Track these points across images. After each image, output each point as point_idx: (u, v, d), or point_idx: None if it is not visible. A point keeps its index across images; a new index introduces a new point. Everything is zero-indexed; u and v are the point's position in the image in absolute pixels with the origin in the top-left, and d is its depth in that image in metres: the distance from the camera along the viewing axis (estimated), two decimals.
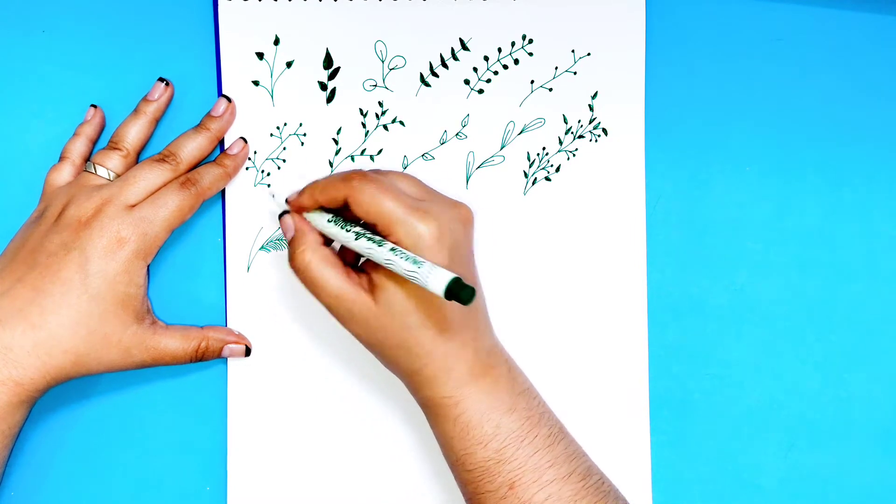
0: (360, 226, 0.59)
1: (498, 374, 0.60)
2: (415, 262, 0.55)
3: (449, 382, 0.59)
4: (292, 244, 0.60)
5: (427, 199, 0.59)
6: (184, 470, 0.66)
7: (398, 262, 0.55)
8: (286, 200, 0.62)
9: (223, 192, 0.65)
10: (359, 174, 0.59)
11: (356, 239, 0.58)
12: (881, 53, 0.66)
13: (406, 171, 0.66)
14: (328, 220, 0.60)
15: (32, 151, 0.65)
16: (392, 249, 0.56)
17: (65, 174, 0.64)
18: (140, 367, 0.62)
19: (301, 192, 0.61)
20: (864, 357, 0.67)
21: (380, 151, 0.66)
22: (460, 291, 0.53)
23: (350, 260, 0.62)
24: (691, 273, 0.67)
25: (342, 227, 0.59)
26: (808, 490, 0.67)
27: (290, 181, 0.64)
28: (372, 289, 0.59)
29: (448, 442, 0.60)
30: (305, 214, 0.61)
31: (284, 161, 0.65)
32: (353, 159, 0.66)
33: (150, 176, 0.62)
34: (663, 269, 0.67)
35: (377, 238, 0.57)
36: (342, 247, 0.61)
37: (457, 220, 0.59)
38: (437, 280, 0.54)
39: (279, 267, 0.65)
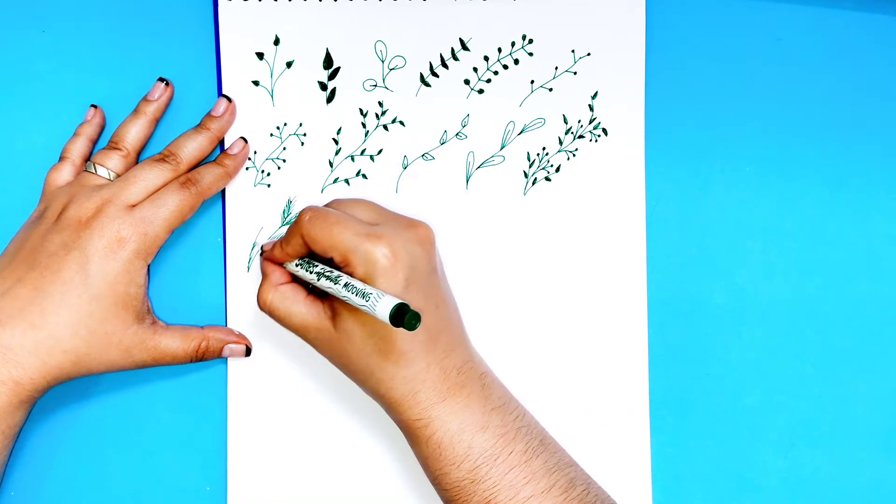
0: (322, 263, 0.60)
1: (469, 393, 0.59)
2: (363, 295, 0.55)
3: (417, 405, 0.59)
4: (259, 286, 0.62)
5: (381, 223, 0.60)
6: (184, 470, 0.66)
7: (351, 298, 0.56)
8: (262, 248, 0.63)
9: (223, 192, 0.65)
10: (309, 210, 0.59)
11: (318, 279, 0.59)
12: (881, 53, 0.66)
13: (406, 171, 0.66)
14: (296, 264, 0.61)
15: (32, 151, 0.65)
16: (345, 285, 0.57)
17: (65, 174, 0.64)
18: (140, 367, 0.62)
19: (273, 246, 0.62)
20: (864, 357, 0.67)
21: (380, 151, 0.66)
22: (405, 317, 0.53)
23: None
24: (691, 273, 0.67)
25: (307, 270, 0.60)
26: (808, 490, 0.67)
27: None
28: (334, 316, 0.59)
29: (424, 462, 0.60)
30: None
31: (284, 161, 0.65)
32: (353, 159, 0.66)
33: (151, 176, 0.62)
34: (663, 269, 0.67)
35: (334, 275, 0.58)
36: None
37: (413, 240, 0.59)
38: (382, 308, 0.54)
39: None
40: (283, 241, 0.61)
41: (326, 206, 0.62)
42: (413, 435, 0.60)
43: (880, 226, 0.67)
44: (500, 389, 0.61)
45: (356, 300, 0.56)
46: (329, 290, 0.58)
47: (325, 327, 0.60)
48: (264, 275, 0.62)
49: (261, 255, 0.64)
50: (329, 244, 0.58)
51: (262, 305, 0.61)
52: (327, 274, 0.58)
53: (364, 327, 0.58)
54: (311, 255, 0.61)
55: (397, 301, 0.54)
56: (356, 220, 0.59)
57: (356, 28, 0.65)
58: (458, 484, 0.58)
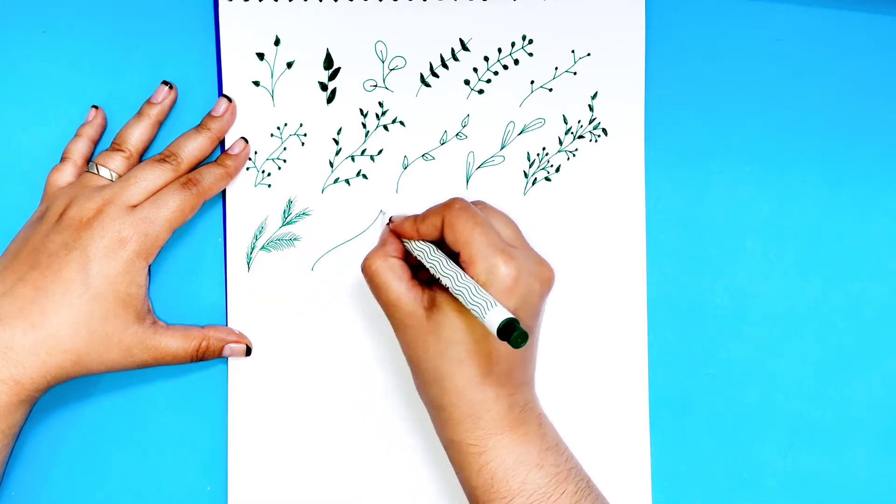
0: (446, 254, 0.59)
1: (527, 431, 0.59)
2: (480, 294, 0.55)
3: (475, 430, 0.58)
4: (372, 250, 0.61)
5: (516, 247, 0.59)
6: (184, 470, 0.66)
7: (465, 294, 0.55)
8: (390, 219, 0.63)
9: (224, 192, 0.65)
10: (460, 200, 0.59)
11: (439, 266, 0.58)
12: (881, 53, 0.66)
13: (406, 171, 0.66)
14: (418, 244, 0.60)
15: (33, 152, 0.65)
16: (465, 278, 0.56)
17: (66, 174, 0.64)
18: (141, 366, 0.62)
19: (405, 219, 0.61)
20: (864, 357, 0.67)
21: (380, 152, 0.66)
22: (514, 333, 0.53)
23: (425, 278, 0.62)
24: (691, 273, 0.67)
25: (428, 254, 0.59)
26: (808, 490, 0.67)
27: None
28: (430, 306, 0.59)
29: (472, 491, 0.59)
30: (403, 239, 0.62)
31: (285, 161, 0.65)
32: (353, 159, 0.66)
33: (152, 176, 0.62)
34: (663, 269, 0.67)
35: (454, 267, 0.57)
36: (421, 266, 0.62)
37: (537, 276, 0.58)
38: (494, 314, 0.53)
39: (279, 267, 0.65)
40: (420, 218, 0.60)
41: (472, 203, 0.61)
42: (464, 460, 0.59)
43: (880, 225, 0.67)
44: (553, 431, 0.61)
45: (470, 296, 0.55)
46: (445, 278, 0.57)
47: (417, 314, 0.59)
48: (382, 242, 0.62)
49: (388, 223, 0.63)
50: (465, 239, 0.58)
51: (366, 269, 0.60)
52: (447, 264, 0.58)
53: (459, 332, 0.57)
54: (435, 244, 0.60)
55: (511, 315, 0.53)
56: (497, 232, 0.59)
57: (356, 28, 0.65)
58: None
